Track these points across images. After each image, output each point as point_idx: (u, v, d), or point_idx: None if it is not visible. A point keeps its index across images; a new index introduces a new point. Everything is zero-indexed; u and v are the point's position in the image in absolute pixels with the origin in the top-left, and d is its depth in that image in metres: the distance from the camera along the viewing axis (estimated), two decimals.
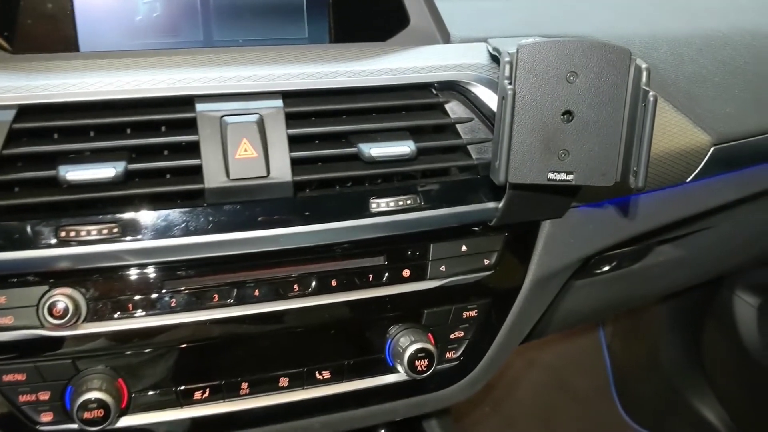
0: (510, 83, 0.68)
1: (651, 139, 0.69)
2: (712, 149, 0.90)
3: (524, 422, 2.00)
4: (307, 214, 0.74)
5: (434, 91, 0.80)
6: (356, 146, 0.75)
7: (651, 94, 0.68)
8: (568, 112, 0.71)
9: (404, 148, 0.75)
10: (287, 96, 0.74)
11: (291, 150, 0.72)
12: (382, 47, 0.82)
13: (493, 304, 0.86)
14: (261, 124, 0.71)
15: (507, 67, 0.69)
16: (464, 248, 0.82)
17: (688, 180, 0.91)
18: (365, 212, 0.76)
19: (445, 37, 0.85)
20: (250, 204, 0.72)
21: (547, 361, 2.11)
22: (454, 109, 0.80)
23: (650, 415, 2.03)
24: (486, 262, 0.83)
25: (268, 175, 0.71)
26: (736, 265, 1.53)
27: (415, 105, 0.79)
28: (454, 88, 0.80)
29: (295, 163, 0.73)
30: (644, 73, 0.70)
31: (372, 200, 0.76)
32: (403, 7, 0.83)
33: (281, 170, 0.72)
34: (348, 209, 0.75)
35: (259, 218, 0.73)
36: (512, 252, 0.85)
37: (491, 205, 0.80)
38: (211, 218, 0.71)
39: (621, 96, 0.71)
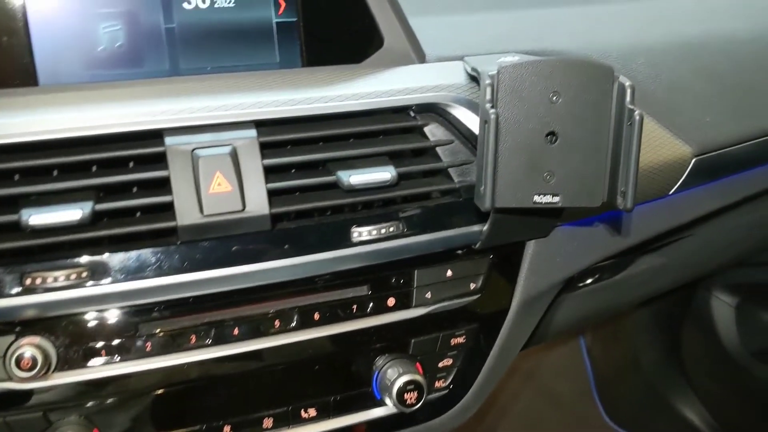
0: (492, 106, 0.66)
1: (638, 159, 0.67)
2: (693, 160, 0.89)
3: (508, 430, 1.98)
4: (286, 247, 0.71)
5: (412, 114, 0.77)
6: (335, 174, 0.72)
7: (637, 113, 0.66)
8: (552, 133, 0.69)
9: (384, 174, 0.72)
10: (261, 125, 0.71)
11: (267, 181, 0.69)
12: (356, 70, 0.79)
13: (481, 328, 0.84)
14: (234, 156, 0.68)
15: (488, 89, 0.67)
16: (449, 273, 0.80)
17: (671, 192, 0.90)
18: (346, 242, 0.73)
19: (421, 57, 0.82)
20: (226, 240, 0.69)
21: (528, 368, 2.10)
22: (434, 131, 0.77)
23: (632, 417, 2.03)
24: (472, 286, 0.81)
25: (244, 209, 0.68)
26: (715, 268, 1.54)
27: (393, 129, 0.76)
28: (433, 110, 0.77)
29: (272, 194, 0.70)
30: (628, 91, 0.68)
31: (353, 229, 0.73)
32: (376, 27, 0.80)
33: (258, 203, 0.69)
34: (328, 240, 0.73)
35: (237, 254, 0.70)
36: (498, 274, 0.82)
37: (475, 228, 0.78)
38: (185, 257, 0.68)
39: (605, 115, 0.69)
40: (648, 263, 1.15)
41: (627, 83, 0.68)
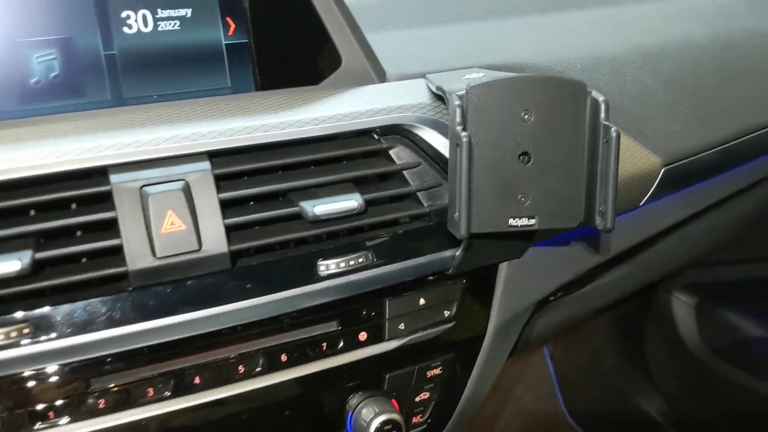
0: (463, 129, 0.62)
1: (617, 177, 0.64)
2: (663, 170, 0.87)
3: None
4: (248, 286, 0.66)
5: (376, 137, 0.73)
6: (298, 205, 0.67)
7: (613, 129, 0.63)
8: (525, 154, 0.66)
9: (351, 202, 0.68)
10: (215, 156, 0.66)
11: (224, 216, 0.64)
12: (314, 92, 0.75)
13: (457, 357, 0.80)
14: (188, 191, 0.63)
15: (457, 111, 0.63)
16: (422, 301, 0.76)
17: (642, 203, 0.88)
18: (313, 277, 0.69)
19: (381, 75, 0.78)
20: (183, 282, 0.64)
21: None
22: (400, 154, 0.73)
23: (597, 419, 2.03)
24: (446, 313, 0.77)
25: (200, 249, 0.63)
26: (676, 271, 1.54)
27: (357, 153, 0.72)
28: (398, 132, 0.73)
29: (231, 230, 0.65)
30: (602, 107, 0.65)
31: (320, 262, 0.69)
32: (333, 46, 0.76)
33: (215, 241, 0.64)
34: (294, 276, 0.68)
35: (195, 298, 0.64)
36: (472, 299, 0.79)
37: (447, 253, 0.74)
38: (138, 304, 0.62)
39: (579, 132, 0.66)
40: (614, 273, 1.13)
41: (600, 98, 0.65)
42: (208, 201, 0.64)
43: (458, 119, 0.63)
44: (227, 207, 0.65)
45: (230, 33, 0.72)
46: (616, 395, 1.98)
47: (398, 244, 0.72)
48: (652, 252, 1.12)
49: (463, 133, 0.61)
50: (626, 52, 0.92)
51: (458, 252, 0.73)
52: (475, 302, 0.79)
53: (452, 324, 0.78)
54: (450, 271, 0.75)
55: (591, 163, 0.67)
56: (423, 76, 0.79)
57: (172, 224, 0.62)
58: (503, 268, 0.80)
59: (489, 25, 0.91)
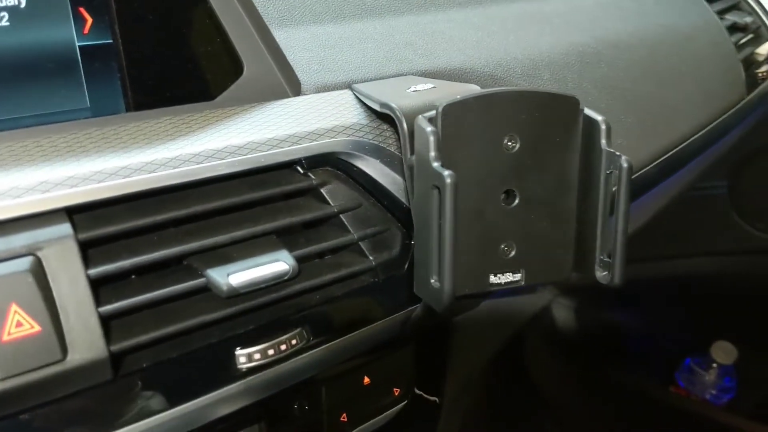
0: (442, 164, 0.46)
1: (628, 218, 0.51)
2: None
3: None
4: (139, 401, 0.46)
5: (302, 171, 0.55)
6: (204, 274, 0.48)
7: (624, 158, 0.50)
8: (509, 192, 0.51)
9: (279, 264, 0.49)
10: (76, 212, 0.45)
11: (99, 303, 0.44)
12: (210, 111, 0.55)
13: None
14: (40, 272, 0.42)
15: (431, 140, 0.46)
16: (367, 380, 0.59)
17: None
18: (230, 374, 0.49)
19: (295, 87, 0.59)
20: (42, 410, 0.42)
21: None
22: (334, 191, 0.55)
23: None
24: (396, 391, 0.61)
25: (65, 358, 0.42)
26: None
27: (277, 195, 0.53)
28: (329, 163, 0.55)
29: (109, 321, 0.44)
30: (602, 128, 0.51)
31: (238, 353, 0.50)
32: (232, 48, 0.56)
33: (87, 342, 0.43)
34: (204, 377, 0.48)
35: (62, 427, 0.43)
36: (425, 367, 0.63)
37: (398, 317, 0.57)
38: None
39: (572, 160, 0.52)
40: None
41: (599, 118, 0.51)
42: (73, 282, 0.43)
43: (433, 152, 0.46)
44: (101, 288, 0.45)
45: (86, 31, 0.50)
46: (500, 404, 1.91)
47: (339, 313, 0.54)
48: None
49: (446, 172, 0.45)
50: (562, 53, 0.79)
51: (416, 313, 0.57)
52: (428, 371, 0.63)
53: (404, 403, 0.61)
54: (402, 339, 0.58)
55: (584, 199, 0.53)
56: (348, 86, 0.61)
57: (19, 326, 0.41)
58: (457, 326, 0.65)
59: (409, 20, 0.75)
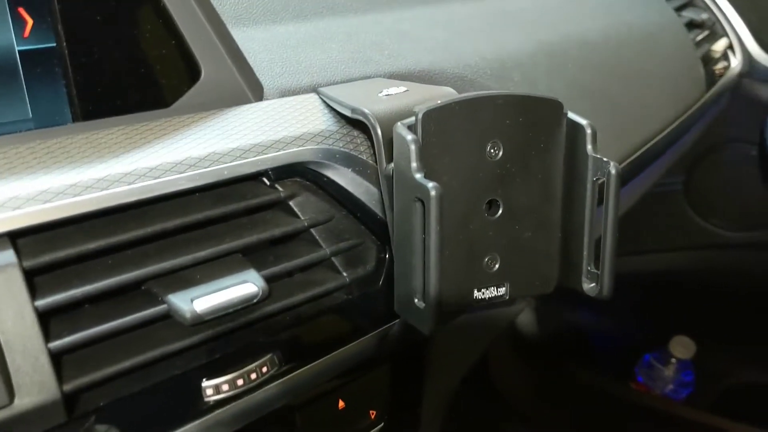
0: (422, 175, 0.43)
1: (617, 228, 0.48)
2: None
3: None
4: None
5: (268, 183, 0.51)
6: (165, 300, 0.43)
7: (612, 165, 0.47)
8: (492, 202, 0.48)
9: (247, 286, 0.45)
10: (19, 236, 0.40)
11: (49, 338, 0.39)
12: (166, 119, 0.50)
13: None
14: None
15: (413, 150, 0.43)
16: (342, 404, 0.55)
17: None
18: (196, 408, 0.45)
19: (257, 92, 0.55)
20: None
21: None
22: (304, 204, 0.52)
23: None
24: (372, 414, 0.57)
25: (12, 402, 0.38)
26: None
27: (243, 210, 0.49)
28: (298, 173, 0.52)
29: (60, 357, 0.40)
30: (587, 133, 0.49)
31: (204, 385, 0.45)
32: (188, 50, 0.52)
33: (37, 384, 0.38)
34: (166, 415, 0.44)
35: None
36: (401, 386, 0.59)
37: (375, 335, 0.54)
38: None
39: (556, 167, 0.50)
40: None
41: (583, 122, 0.49)
42: (18, 316, 0.38)
43: (415, 163, 0.43)
44: (51, 320, 0.40)
45: (26, 33, 0.45)
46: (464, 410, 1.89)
47: (312, 334, 0.51)
48: None
49: (430, 184, 0.41)
50: (531, 53, 0.77)
51: (393, 330, 0.54)
52: (405, 391, 0.60)
53: (381, 426, 0.58)
54: (376, 359, 0.55)
55: (569, 207, 0.51)
56: (313, 90, 0.57)
57: None
58: (433, 343, 0.62)
59: (373, 19, 0.71)
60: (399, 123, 0.44)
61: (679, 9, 1.15)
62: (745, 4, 1.24)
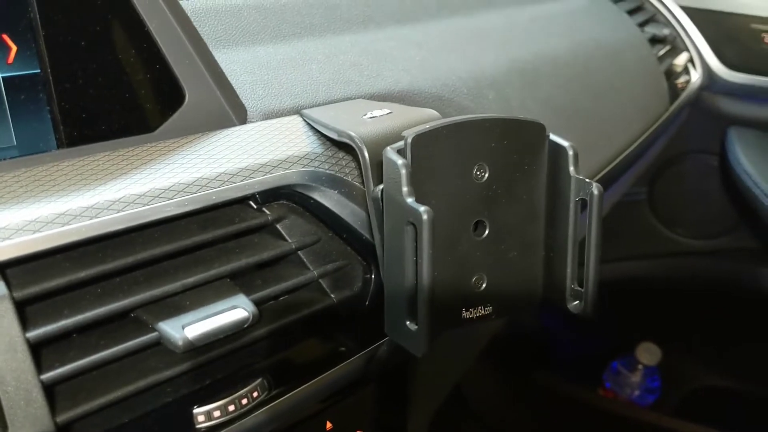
0: (414, 199, 0.43)
1: (600, 247, 0.50)
2: None
3: None
4: None
5: (255, 206, 0.51)
6: (156, 328, 0.43)
7: (594, 185, 0.49)
8: (479, 222, 0.49)
9: (238, 311, 0.45)
10: (9, 267, 0.40)
11: (41, 369, 0.39)
12: (151, 144, 0.50)
13: None
14: None
15: (404, 175, 0.43)
16: (329, 425, 0.55)
17: None
18: None
19: (241, 114, 0.55)
20: None
21: None
22: (291, 226, 0.52)
23: None
24: None
25: (6, 430, 0.37)
26: None
27: (231, 234, 0.49)
28: (284, 196, 0.52)
29: (53, 387, 0.39)
30: (569, 155, 0.50)
31: (196, 412, 0.45)
32: (172, 74, 0.52)
33: (30, 416, 0.38)
34: None
35: None
36: (388, 407, 0.60)
37: (363, 355, 0.54)
38: None
39: (539, 187, 0.51)
40: None
41: (565, 144, 0.50)
42: (10, 349, 0.38)
43: (406, 187, 0.43)
44: (43, 351, 0.40)
45: (10, 60, 0.45)
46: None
47: (301, 356, 0.51)
48: None
49: (422, 208, 0.42)
50: (504, 72, 0.79)
51: (382, 350, 0.54)
52: (391, 409, 0.60)
53: None
54: (365, 380, 0.55)
55: (552, 227, 0.52)
56: (297, 111, 0.58)
57: None
58: (417, 359, 0.62)
59: (350, 40, 0.72)
60: (388, 148, 0.45)
61: (642, 24, 1.19)
62: (704, 19, 1.28)
